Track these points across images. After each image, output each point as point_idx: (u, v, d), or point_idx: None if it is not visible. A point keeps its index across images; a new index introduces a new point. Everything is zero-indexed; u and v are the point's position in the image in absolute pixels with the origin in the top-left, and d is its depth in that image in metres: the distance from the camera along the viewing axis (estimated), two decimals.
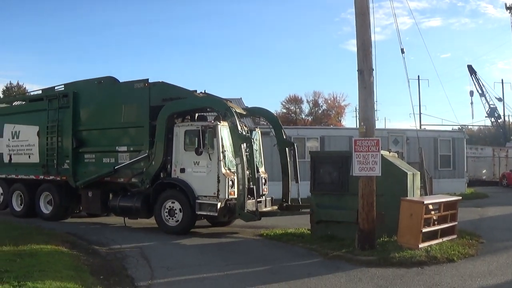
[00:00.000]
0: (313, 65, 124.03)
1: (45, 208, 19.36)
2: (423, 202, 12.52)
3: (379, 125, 52.55)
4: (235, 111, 15.80)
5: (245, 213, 15.06)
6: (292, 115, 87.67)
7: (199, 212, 15.54)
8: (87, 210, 19.32)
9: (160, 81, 17.15)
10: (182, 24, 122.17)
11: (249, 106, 19.04)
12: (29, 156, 19.99)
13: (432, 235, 12.83)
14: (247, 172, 15.09)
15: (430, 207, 13.01)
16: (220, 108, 16.05)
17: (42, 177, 19.39)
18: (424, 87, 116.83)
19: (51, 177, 19.12)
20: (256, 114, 19.54)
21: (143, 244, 13.85)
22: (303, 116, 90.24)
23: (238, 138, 15.11)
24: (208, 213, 15.47)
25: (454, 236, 13.49)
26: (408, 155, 29.00)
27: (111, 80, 18.37)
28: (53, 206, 19.07)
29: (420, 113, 54.19)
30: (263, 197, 16.60)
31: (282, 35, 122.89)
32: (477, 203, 25.13)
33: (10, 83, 62.93)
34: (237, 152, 15.06)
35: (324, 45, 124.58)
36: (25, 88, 60.12)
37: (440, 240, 12.77)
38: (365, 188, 12.18)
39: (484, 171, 44.96)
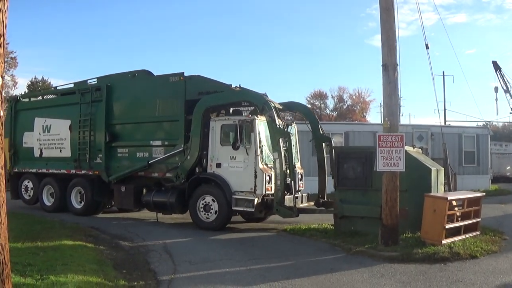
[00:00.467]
0: (338, 60, 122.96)
1: (77, 203, 19.02)
2: (447, 198, 12.16)
3: (403, 120, 52.02)
4: (273, 105, 15.46)
5: (283, 209, 14.68)
6: (317, 110, 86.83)
7: (235, 208, 15.18)
8: (119, 205, 18.71)
9: (196, 74, 16.76)
10: (206, 19, 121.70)
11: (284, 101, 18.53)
12: (61, 150, 19.68)
13: (455, 232, 12.52)
14: (285, 167, 14.75)
15: (454, 203, 12.68)
16: (258, 102, 15.65)
17: (74, 171, 19.06)
18: (448, 83, 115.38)
19: (83, 172, 18.79)
20: (292, 108, 18.35)
21: (166, 239, 13.68)
22: (328, 112, 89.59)
23: (276, 133, 14.78)
24: (245, 209, 15.10)
25: (477, 233, 13.17)
26: (433, 151, 28.54)
27: (145, 74, 18.14)
28: (85, 201, 18.72)
29: (444, 109, 53.27)
30: (299, 193, 16.16)
31: (307, 30, 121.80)
32: (500, 199, 24.65)
33: (35, 78, 62.13)
34: (275, 146, 14.73)
35: (349, 40, 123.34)
36: (49, 83, 59.38)
37: (463, 237, 12.45)
38: (389, 184, 11.93)
39: (508, 167, 44.27)
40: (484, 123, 54.76)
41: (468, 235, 12.67)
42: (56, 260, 10.03)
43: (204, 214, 15.60)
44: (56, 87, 21.37)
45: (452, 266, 10.38)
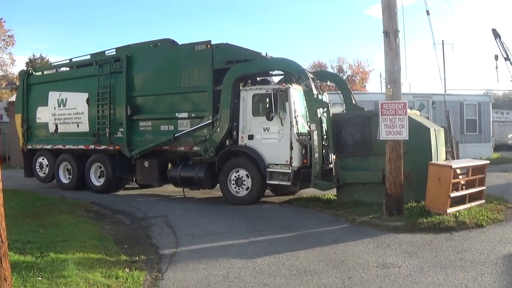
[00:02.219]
0: (337, 30, 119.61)
1: (96, 180, 17.82)
2: (451, 166, 11.40)
3: (403, 90, 51.73)
4: (310, 75, 14.26)
5: (321, 182, 13.50)
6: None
7: (270, 182, 14.12)
8: (142, 182, 17.45)
9: (224, 42, 15.42)
10: None
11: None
12: (78, 125, 18.25)
13: (460, 200, 11.81)
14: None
15: (458, 171, 11.98)
16: (294, 70, 14.35)
17: (92, 147, 17.69)
18: (448, 52, 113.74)
19: (102, 147, 17.48)
20: (323, 78, 16.98)
21: (168, 213, 13.07)
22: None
23: (314, 103, 13.63)
24: (280, 182, 13.98)
25: (482, 201, 12.42)
26: (434, 119, 27.73)
27: (169, 43, 16.56)
28: (105, 178, 17.48)
29: (444, 78, 52.63)
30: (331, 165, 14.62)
31: (304, 0, 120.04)
32: (503, 167, 23.77)
33: (33, 56, 60.46)
34: (312, 117, 13.52)
35: (347, 11, 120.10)
36: (48, 60, 57.55)
37: (468, 205, 11.73)
38: (392, 152, 11.23)
39: (510, 135, 43.48)
40: (484, 91, 54.32)
41: (473, 204, 11.95)
42: (56, 236, 9.57)
43: (236, 188, 14.52)
44: (71, 59, 19.97)
45: (458, 236, 9.77)
